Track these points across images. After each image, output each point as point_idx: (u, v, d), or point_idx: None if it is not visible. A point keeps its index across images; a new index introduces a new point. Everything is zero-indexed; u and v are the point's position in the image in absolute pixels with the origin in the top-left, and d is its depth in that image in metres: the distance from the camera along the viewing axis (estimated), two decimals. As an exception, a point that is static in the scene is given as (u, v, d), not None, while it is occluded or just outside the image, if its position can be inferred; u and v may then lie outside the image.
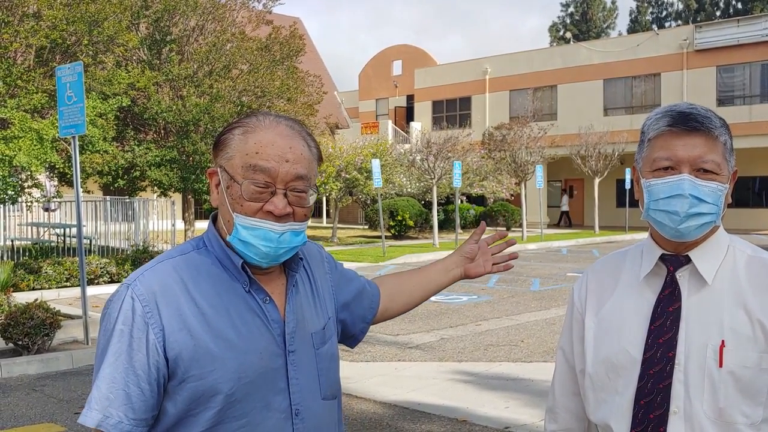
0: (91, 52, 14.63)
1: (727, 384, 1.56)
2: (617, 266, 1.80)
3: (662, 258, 1.68)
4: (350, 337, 1.91)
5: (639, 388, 1.63)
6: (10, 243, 16.35)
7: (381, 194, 22.98)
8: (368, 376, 7.56)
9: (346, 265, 16.56)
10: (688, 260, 1.66)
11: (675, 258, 1.67)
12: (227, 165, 1.56)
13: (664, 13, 57.34)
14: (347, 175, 24.69)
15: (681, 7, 55.84)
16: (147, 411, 1.49)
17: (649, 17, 57.44)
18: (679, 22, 53.89)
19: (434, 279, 2.02)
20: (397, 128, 38.72)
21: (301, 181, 1.55)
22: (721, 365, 1.57)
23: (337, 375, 1.73)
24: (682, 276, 1.66)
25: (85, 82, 13.65)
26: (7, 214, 16.52)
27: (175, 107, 17.94)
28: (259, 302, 1.57)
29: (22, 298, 10.71)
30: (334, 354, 1.72)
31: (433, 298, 12.58)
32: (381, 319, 1.96)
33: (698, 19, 51.50)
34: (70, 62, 11.55)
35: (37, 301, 8.52)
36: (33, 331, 8.08)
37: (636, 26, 55.87)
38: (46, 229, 18.56)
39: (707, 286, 1.64)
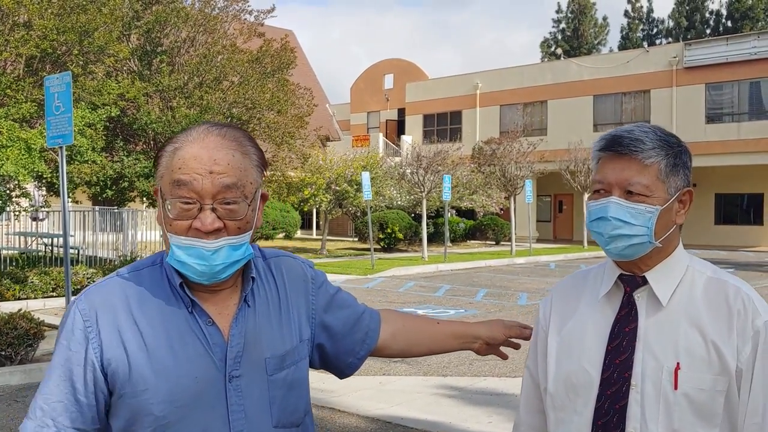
0: (81, 62, 14.63)
1: (682, 406, 1.57)
2: (581, 285, 1.82)
3: (620, 278, 1.70)
4: (336, 369, 1.81)
5: (597, 409, 1.64)
6: (-2, 252, 16.27)
7: (371, 207, 23.00)
8: (352, 389, 7.54)
9: (334, 277, 16.25)
10: (645, 281, 1.67)
11: (632, 278, 1.69)
12: (161, 184, 1.52)
13: (655, 30, 57.73)
14: (337, 188, 24.71)
15: (672, 24, 56.25)
16: (86, 423, 1.50)
17: (640, 34, 57.80)
18: (670, 39, 54.27)
19: (443, 342, 1.91)
20: (388, 141, 38.79)
21: (230, 192, 1.47)
22: (676, 387, 1.58)
23: (299, 402, 1.64)
24: (640, 297, 1.67)
25: (75, 92, 13.66)
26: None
27: (164, 118, 17.95)
28: (200, 324, 1.52)
29: (7, 307, 10.64)
30: (296, 380, 1.62)
31: (419, 311, 12.58)
32: (377, 354, 1.83)
33: (689, 36, 51.90)
34: (60, 72, 11.55)
35: (21, 311, 8.48)
36: (16, 341, 8.03)
37: (627, 43, 56.21)
38: (33, 238, 18.49)
39: (663, 307, 1.65)
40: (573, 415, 1.68)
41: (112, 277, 1.58)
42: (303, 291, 1.70)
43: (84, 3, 13.98)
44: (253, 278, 1.60)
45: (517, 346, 2.00)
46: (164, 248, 1.58)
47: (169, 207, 1.48)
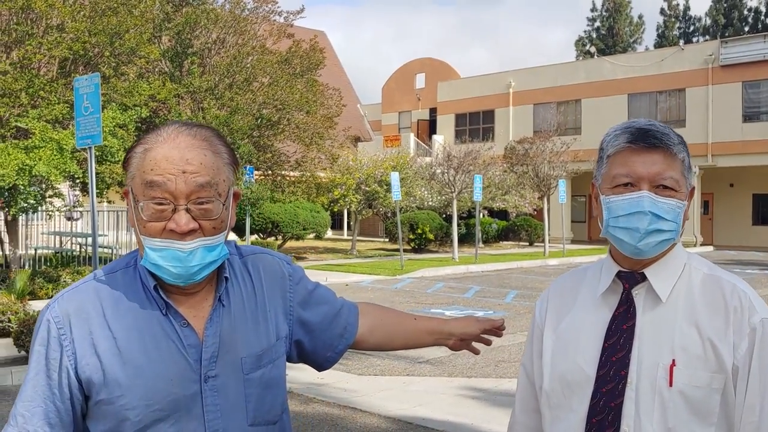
0: (113, 64, 14.82)
1: (677, 404, 1.55)
2: (578, 282, 1.80)
3: (619, 275, 1.67)
4: (315, 363, 1.83)
5: (591, 406, 1.62)
6: (33, 251, 16.58)
7: (401, 207, 22.94)
8: (375, 390, 7.52)
9: (362, 278, 16.24)
10: (644, 278, 1.64)
11: (631, 275, 1.66)
12: (132, 185, 1.51)
13: (692, 28, 56.87)
14: (367, 188, 24.72)
15: (709, 22, 55.36)
16: (63, 427, 1.51)
17: (676, 32, 56.99)
18: (707, 37, 53.41)
19: (419, 337, 1.94)
20: (419, 141, 38.73)
21: (204, 191, 1.47)
22: (671, 385, 1.55)
23: (276, 400, 1.65)
24: (639, 294, 1.65)
25: (106, 93, 13.85)
26: (30, 223, 16.76)
27: (195, 119, 18.14)
28: (175, 326, 1.53)
29: (39, 306, 10.82)
30: (273, 378, 1.64)
31: (447, 313, 12.49)
32: (354, 347, 1.87)
33: (726, 34, 50.99)
34: (91, 73, 11.70)
35: (51, 310, 8.60)
36: (45, 339, 8.15)
37: (663, 41, 55.46)
38: (68, 238, 18.80)
39: (662, 304, 1.62)
40: (568, 413, 1.66)
41: (87, 280, 1.58)
42: (280, 288, 1.70)
43: (115, 5, 14.16)
44: (226, 278, 1.60)
45: (488, 342, 2.00)
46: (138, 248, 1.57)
47: (142, 209, 1.47)
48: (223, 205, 1.51)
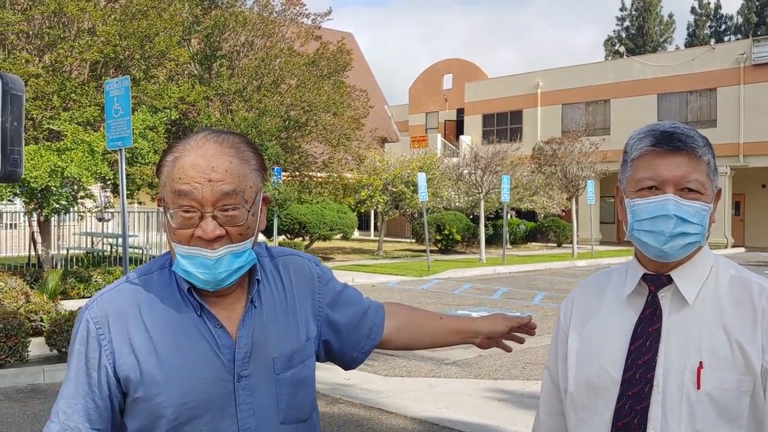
0: (143, 67, 14.99)
1: (705, 406, 1.53)
2: (603, 285, 1.79)
3: (644, 278, 1.66)
4: (341, 362, 1.86)
5: (617, 409, 1.61)
6: (66, 252, 16.83)
7: (428, 208, 22.90)
8: (401, 391, 7.53)
9: (389, 279, 16.27)
10: (670, 280, 1.63)
11: (657, 278, 1.65)
12: (163, 193, 1.55)
13: (723, 27, 56.11)
14: (394, 189, 24.73)
15: (740, 20, 54.58)
16: (103, 422, 1.57)
17: (707, 31, 56.27)
18: (739, 36, 52.64)
19: (445, 337, 1.95)
20: (446, 142, 38.65)
21: (230, 198, 1.50)
22: (698, 387, 1.54)
23: (306, 399, 1.69)
24: (665, 296, 1.64)
25: (136, 96, 14.02)
26: (62, 223, 17.01)
27: (224, 121, 18.28)
28: (209, 327, 1.57)
29: (71, 305, 10.97)
30: (303, 378, 1.67)
31: (474, 314, 12.48)
32: (381, 347, 1.89)
33: (758, 33, 50.21)
34: (121, 76, 11.86)
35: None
36: (76, 338, 8.27)
37: (694, 40, 54.77)
38: (99, 238, 19.06)
39: (688, 306, 1.61)
40: (594, 416, 1.65)
41: (123, 282, 1.63)
42: (309, 289, 1.73)
43: (145, 9, 14.34)
44: (258, 280, 1.63)
45: (521, 341, 2.00)
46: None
47: (172, 216, 1.51)
48: (249, 211, 1.53)
